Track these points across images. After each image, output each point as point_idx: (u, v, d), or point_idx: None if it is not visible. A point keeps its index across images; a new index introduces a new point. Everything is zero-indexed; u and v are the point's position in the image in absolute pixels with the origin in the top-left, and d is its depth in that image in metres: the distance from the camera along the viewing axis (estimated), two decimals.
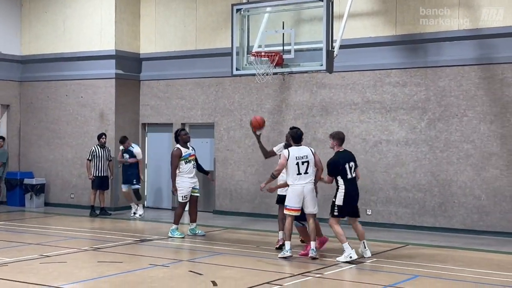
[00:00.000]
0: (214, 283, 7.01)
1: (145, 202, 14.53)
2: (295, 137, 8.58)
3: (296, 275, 7.77)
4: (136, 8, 15.19)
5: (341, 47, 11.07)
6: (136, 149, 12.91)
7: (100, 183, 13.05)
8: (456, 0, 11.25)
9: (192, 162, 10.33)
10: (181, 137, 10.36)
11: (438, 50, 11.55)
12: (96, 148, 13.05)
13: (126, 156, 12.86)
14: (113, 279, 7.31)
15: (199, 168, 10.66)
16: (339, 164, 8.38)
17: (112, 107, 14.31)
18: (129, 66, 14.93)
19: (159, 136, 14.83)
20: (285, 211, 8.48)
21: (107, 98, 14.49)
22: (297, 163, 8.39)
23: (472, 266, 8.76)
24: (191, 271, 7.79)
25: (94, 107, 14.59)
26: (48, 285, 6.92)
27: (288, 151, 8.43)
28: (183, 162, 10.21)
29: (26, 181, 14.92)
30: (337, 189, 8.46)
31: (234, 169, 13.65)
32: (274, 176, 8.66)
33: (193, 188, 10.30)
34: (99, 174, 13.06)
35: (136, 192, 13.00)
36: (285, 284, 7.32)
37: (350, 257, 8.32)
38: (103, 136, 13.18)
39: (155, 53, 15.01)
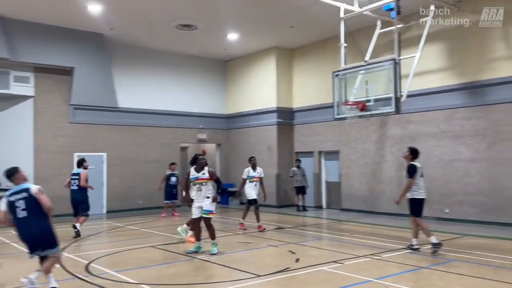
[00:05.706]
0: None
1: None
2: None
3: None
4: (289, 79, 19.50)
5: (420, 94, 13.77)
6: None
7: (298, 190, 17.43)
8: (503, 54, 13.08)
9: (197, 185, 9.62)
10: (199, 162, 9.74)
11: (493, 92, 13.29)
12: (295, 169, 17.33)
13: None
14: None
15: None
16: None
17: (276, 142, 19.08)
18: (286, 116, 19.33)
19: (306, 159, 18.92)
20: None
21: (273, 137, 19.29)
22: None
23: (510, 254, 8.99)
24: None
25: (265, 143, 19.49)
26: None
27: None
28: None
29: (230, 188, 19.86)
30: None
31: (352, 180, 16.95)
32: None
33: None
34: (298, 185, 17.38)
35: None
36: None
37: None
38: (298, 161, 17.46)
39: (302, 107, 19.15)
